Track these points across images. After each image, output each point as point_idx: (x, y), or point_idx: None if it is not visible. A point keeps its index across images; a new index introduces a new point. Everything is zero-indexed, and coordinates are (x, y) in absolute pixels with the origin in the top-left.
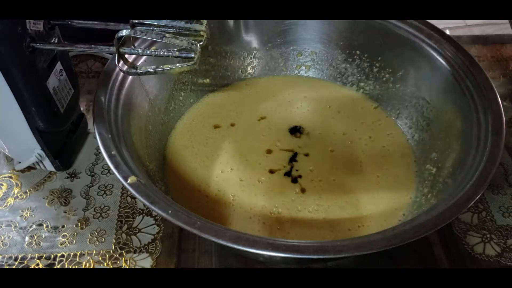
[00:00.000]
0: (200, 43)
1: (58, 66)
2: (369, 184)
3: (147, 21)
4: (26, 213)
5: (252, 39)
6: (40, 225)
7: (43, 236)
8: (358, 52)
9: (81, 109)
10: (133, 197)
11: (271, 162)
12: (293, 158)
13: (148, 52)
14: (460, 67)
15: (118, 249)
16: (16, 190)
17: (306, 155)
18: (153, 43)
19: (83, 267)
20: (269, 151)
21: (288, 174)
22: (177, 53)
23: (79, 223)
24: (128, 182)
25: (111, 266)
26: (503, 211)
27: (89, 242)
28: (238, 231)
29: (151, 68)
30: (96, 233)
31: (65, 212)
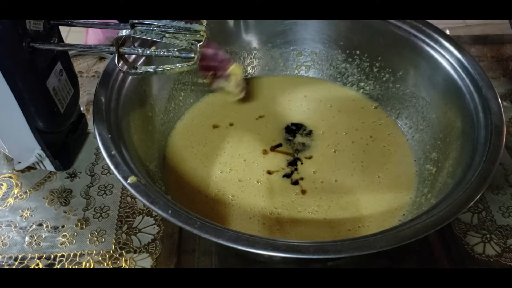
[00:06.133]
0: (200, 43)
1: (58, 66)
2: (369, 184)
3: (147, 21)
4: (26, 213)
5: (252, 39)
6: (40, 225)
7: (43, 236)
8: (358, 52)
9: (81, 109)
10: (133, 197)
11: (269, 163)
12: (294, 162)
13: (148, 52)
14: (460, 67)
15: (118, 249)
16: (16, 190)
17: (309, 158)
18: (153, 43)
19: (83, 267)
20: (266, 152)
21: (287, 176)
22: (177, 53)
23: (79, 223)
24: (128, 182)
25: (111, 266)
26: (503, 211)
27: (89, 242)
28: (238, 231)
29: (151, 68)
30: (96, 233)
31: (65, 212)
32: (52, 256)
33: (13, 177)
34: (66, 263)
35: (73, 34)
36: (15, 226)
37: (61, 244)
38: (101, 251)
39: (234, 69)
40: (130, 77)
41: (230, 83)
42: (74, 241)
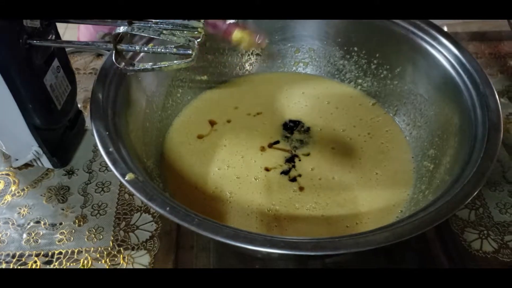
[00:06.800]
0: (198, 40)
1: (55, 62)
2: (367, 181)
3: None
4: (24, 211)
5: None
6: (38, 222)
7: (41, 233)
8: (356, 49)
9: (79, 106)
10: (131, 194)
11: (267, 160)
12: (291, 159)
13: (146, 49)
14: (457, 63)
15: (116, 246)
16: (13, 188)
17: (307, 154)
18: (150, 40)
19: (80, 264)
20: (264, 149)
21: (285, 173)
22: (174, 50)
23: (76, 220)
24: (126, 179)
25: (109, 263)
26: (500, 207)
27: (86, 239)
28: (236, 228)
29: (148, 65)
30: (94, 230)
31: (63, 209)
32: (50, 253)
33: (11, 174)
34: (64, 260)
35: (70, 31)
36: (13, 224)
37: (59, 241)
38: (99, 248)
39: (237, 36)
40: (127, 74)
41: (241, 46)
42: (72, 238)
